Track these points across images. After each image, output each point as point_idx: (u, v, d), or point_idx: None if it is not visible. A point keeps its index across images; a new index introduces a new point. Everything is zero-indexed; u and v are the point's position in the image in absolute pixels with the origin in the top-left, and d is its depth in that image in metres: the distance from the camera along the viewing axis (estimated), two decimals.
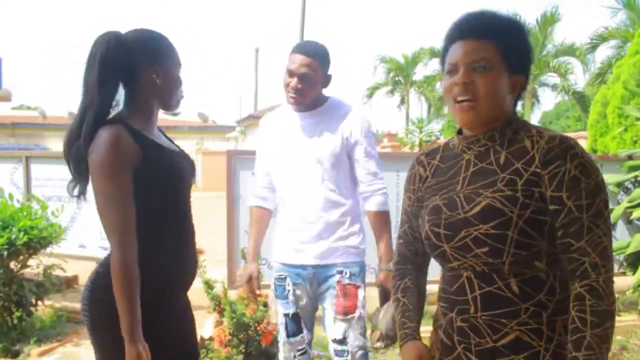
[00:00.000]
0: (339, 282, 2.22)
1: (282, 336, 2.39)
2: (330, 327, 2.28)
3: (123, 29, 1.69)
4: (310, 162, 2.24)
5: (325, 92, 2.33)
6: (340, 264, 2.23)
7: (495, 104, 1.26)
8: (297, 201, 2.28)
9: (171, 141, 1.86)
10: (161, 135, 1.79)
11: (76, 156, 1.61)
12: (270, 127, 2.43)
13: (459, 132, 1.40)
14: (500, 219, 1.19)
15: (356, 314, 2.22)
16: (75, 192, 1.67)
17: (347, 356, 2.24)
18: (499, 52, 1.25)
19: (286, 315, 2.36)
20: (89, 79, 1.61)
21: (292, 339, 2.36)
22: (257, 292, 2.46)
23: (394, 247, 1.64)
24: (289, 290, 2.34)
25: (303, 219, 2.26)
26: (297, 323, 2.36)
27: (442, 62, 1.35)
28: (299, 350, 2.36)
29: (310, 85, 2.20)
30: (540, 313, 1.21)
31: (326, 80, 2.28)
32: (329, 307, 2.27)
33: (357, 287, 2.24)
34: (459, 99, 1.27)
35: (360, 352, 2.24)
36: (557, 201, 1.19)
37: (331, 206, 2.24)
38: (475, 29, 1.28)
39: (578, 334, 1.15)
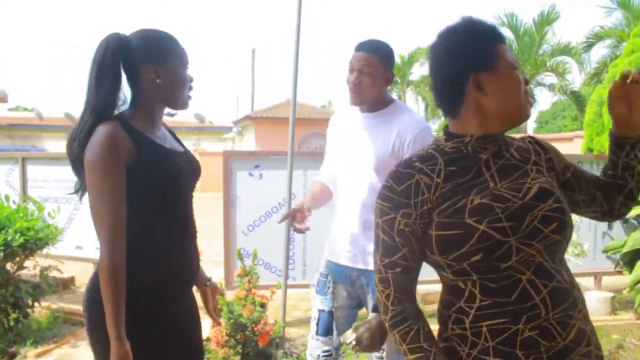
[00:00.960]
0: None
1: (312, 332, 2.40)
2: None
3: (123, 29, 1.70)
4: (356, 162, 2.25)
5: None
6: None
7: None
8: (346, 199, 2.29)
9: (179, 142, 1.87)
10: (167, 136, 1.79)
11: (73, 154, 1.64)
12: (335, 125, 2.44)
13: (448, 131, 1.36)
14: (554, 196, 1.27)
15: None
16: (76, 189, 1.71)
17: (382, 352, 2.26)
18: None
19: (321, 311, 2.36)
20: (89, 80, 1.64)
21: (320, 337, 2.34)
22: (307, 214, 2.32)
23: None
24: (328, 287, 2.34)
25: (350, 218, 2.26)
26: (329, 323, 2.34)
27: (491, 54, 1.29)
28: (324, 352, 2.34)
29: (368, 80, 2.18)
30: (582, 297, 1.30)
31: (387, 78, 2.25)
32: (372, 310, 2.27)
33: None
34: (527, 94, 1.35)
35: (394, 354, 2.25)
36: (567, 164, 1.45)
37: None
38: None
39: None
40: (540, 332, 1.19)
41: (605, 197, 1.47)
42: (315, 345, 2.36)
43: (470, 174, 1.28)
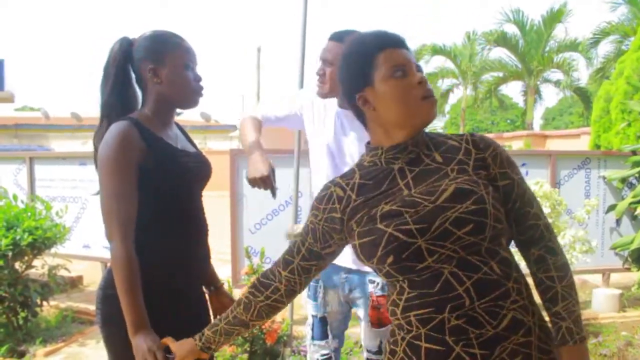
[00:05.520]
0: (371, 293, 2.16)
1: (308, 337, 2.38)
2: (366, 337, 2.25)
3: (127, 29, 1.72)
4: (341, 161, 2.18)
5: None
6: (372, 273, 2.15)
7: None
8: None
9: (192, 142, 1.88)
10: (178, 136, 1.80)
11: (96, 159, 1.66)
12: (316, 107, 2.30)
13: (367, 144, 1.43)
14: (475, 196, 1.23)
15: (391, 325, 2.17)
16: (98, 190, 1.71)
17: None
18: None
19: (314, 316, 2.34)
20: (100, 86, 1.68)
21: (316, 342, 2.33)
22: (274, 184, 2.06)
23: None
24: (319, 293, 2.30)
25: None
26: (323, 327, 2.32)
27: (366, 70, 1.32)
28: (323, 355, 2.32)
29: (330, 70, 2.08)
30: (521, 289, 1.28)
31: None
32: (364, 318, 2.23)
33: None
34: (428, 95, 1.30)
35: None
36: (507, 176, 1.33)
37: None
38: (401, 41, 1.35)
39: (551, 291, 1.31)
40: (467, 321, 1.22)
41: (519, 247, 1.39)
42: (313, 350, 2.35)
43: (383, 185, 1.33)
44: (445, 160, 1.32)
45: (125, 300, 1.51)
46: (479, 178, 1.28)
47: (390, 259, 1.25)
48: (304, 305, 2.43)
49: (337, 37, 2.11)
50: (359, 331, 4.06)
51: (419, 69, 1.33)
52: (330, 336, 2.33)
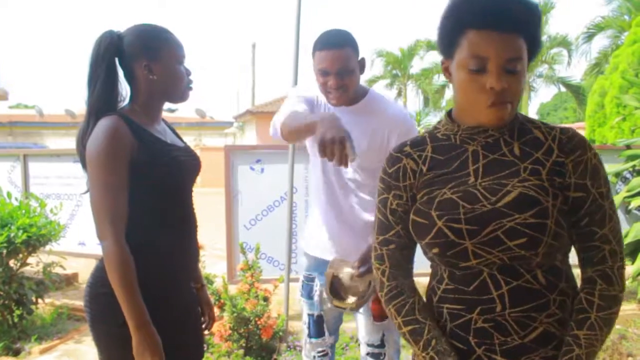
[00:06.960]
0: (374, 286, 2.09)
1: (305, 336, 2.38)
2: (367, 332, 2.22)
3: (123, 27, 1.70)
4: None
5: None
6: None
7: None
8: (332, 199, 2.17)
9: (179, 137, 1.87)
10: (166, 131, 1.79)
11: (81, 156, 1.64)
12: (314, 102, 2.17)
13: (449, 114, 1.31)
14: (538, 207, 1.12)
15: None
16: (88, 188, 1.68)
17: (383, 358, 2.19)
18: (525, 48, 1.16)
19: (310, 315, 2.33)
20: (87, 80, 1.65)
21: (313, 340, 2.33)
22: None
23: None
24: (315, 291, 2.29)
25: (339, 218, 2.16)
26: (320, 325, 2.32)
27: (450, 41, 1.18)
28: (319, 352, 2.33)
29: (350, 77, 2.00)
30: (565, 302, 1.20)
31: (362, 65, 2.06)
32: (365, 312, 2.20)
33: None
34: (497, 102, 1.15)
35: (394, 350, 2.20)
36: (582, 188, 1.19)
37: (367, 207, 2.12)
38: (510, 19, 1.12)
39: (583, 314, 1.17)
40: (494, 326, 1.18)
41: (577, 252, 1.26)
42: (309, 348, 2.36)
43: (454, 165, 1.24)
44: (522, 154, 1.20)
45: (123, 298, 1.50)
46: (551, 185, 1.16)
47: (435, 250, 1.21)
48: (299, 301, 2.42)
49: (340, 42, 1.99)
50: (354, 326, 4.07)
51: (509, 65, 1.12)
52: (327, 333, 2.33)
